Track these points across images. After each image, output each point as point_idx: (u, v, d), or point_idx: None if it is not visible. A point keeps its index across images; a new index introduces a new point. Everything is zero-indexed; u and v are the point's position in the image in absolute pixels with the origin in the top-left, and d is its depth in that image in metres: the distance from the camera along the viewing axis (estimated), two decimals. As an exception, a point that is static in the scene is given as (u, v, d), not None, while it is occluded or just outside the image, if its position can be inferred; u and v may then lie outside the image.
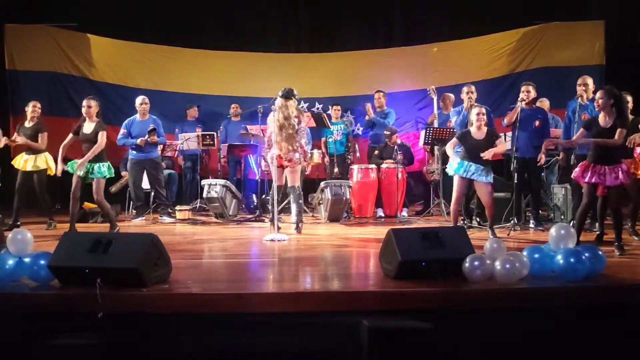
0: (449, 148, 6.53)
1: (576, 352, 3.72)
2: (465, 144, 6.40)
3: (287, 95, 6.70)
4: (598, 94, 5.48)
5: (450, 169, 6.48)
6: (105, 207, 6.72)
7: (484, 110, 6.47)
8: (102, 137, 6.57)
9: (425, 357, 3.47)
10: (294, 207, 6.93)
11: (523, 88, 7.01)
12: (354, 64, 10.50)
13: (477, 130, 6.41)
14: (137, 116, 8.26)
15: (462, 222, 7.23)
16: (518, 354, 3.74)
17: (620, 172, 5.30)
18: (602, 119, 5.42)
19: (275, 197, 6.52)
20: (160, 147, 8.54)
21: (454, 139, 6.56)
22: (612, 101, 5.35)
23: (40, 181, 7.42)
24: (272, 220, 6.47)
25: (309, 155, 7.22)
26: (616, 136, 5.28)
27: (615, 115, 5.35)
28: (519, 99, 6.90)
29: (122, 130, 8.18)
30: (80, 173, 6.49)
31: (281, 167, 6.75)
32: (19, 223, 7.27)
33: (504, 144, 6.56)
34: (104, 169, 6.57)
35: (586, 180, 5.39)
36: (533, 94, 6.99)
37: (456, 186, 6.43)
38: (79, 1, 9.96)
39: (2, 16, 9.55)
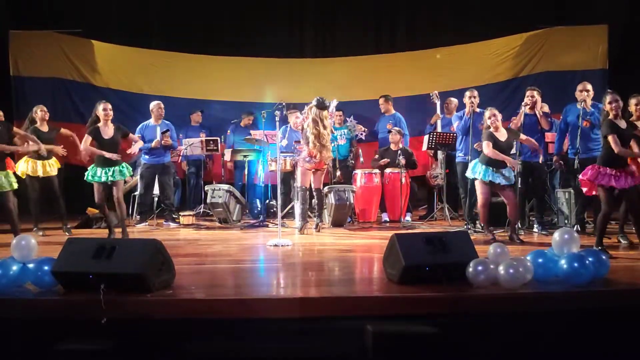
0: (489, 148, 6.25)
1: (581, 356, 3.72)
2: (493, 144, 6.30)
3: (323, 106, 6.96)
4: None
5: (472, 174, 6.44)
6: (123, 208, 6.78)
7: (495, 111, 6.44)
8: (133, 137, 7.01)
9: (429, 362, 3.46)
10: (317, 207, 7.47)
11: (528, 93, 7.00)
12: (357, 69, 10.50)
13: (497, 132, 6.36)
14: (151, 121, 8.31)
15: (465, 227, 7.23)
16: (523, 358, 3.73)
17: (635, 174, 5.34)
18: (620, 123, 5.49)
19: (279, 202, 6.53)
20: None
21: (488, 141, 6.29)
22: None
23: (57, 185, 7.41)
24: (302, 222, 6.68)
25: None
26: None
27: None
28: (522, 103, 6.90)
29: (138, 136, 8.20)
30: (108, 178, 6.61)
31: (314, 171, 7.25)
32: (36, 229, 7.27)
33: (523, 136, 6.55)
34: (125, 170, 6.72)
35: (603, 183, 5.38)
36: (537, 98, 6.98)
37: (480, 190, 6.38)
38: (84, 7, 10.01)
39: (7, 22, 9.60)
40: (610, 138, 5.33)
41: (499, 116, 6.45)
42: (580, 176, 5.70)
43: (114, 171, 6.62)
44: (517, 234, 6.36)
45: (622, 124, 5.46)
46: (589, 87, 6.91)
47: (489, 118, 6.40)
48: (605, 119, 5.50)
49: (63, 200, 7.48)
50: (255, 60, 10.42)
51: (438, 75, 10.18)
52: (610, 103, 5.48)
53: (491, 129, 6.37)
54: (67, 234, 7.17)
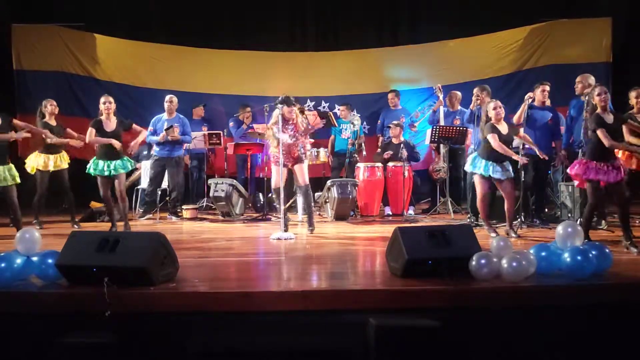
0: (496, 142, 6.05)
1: (583, 349, 3.72)
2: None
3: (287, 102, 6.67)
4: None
5: (471, 168, 6.33)
6: (125, 201, 6.86)
7: (500, 103, 6.30)
8: (137, 128, 7.07)
9: (432, 356, 3.46)
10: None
11: (541, 87, 6.98)
12: (360, 62, 10.45)
13: (499, 124, 6.20)
14: (165, 114, 8.33)
15: (468, 220, 7.23)
16: (525, 352, 3.73)
17: (621, 168, 5.33)
18: (607, 117, 5.45)
19: (282, 196, 6.52)
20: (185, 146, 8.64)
21: (493, 134, 6.10)
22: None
23: (67, 179, 7.43)
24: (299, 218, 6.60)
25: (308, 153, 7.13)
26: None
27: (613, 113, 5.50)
28: (526, 96, 6.88)
29: (150, 128, 8.26)
30: (108, 172, 6.66)
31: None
32: (36, 221, 7.26)
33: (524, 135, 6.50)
34: (127, 163, 6.79)
35: (591, 177, 5.37)
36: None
37: (479, 185, 6.27)
38: (86, 1, 9.99)
39: (9, 16, 9.59)
40: (599, 132, 5.29)
41: (503, 109, 6.28)
42: (568, 170, 5.72)
43: (115, 164, 6.67)
44: (514, 229, 6.28)
45: (609, 117, 5.42)
46: (590, 80, 6.90)
47: (494, 109, 6.20)
48: (593, 113, 5.47)
49: (72, 194, 7.50)
50: (258, 54, 10.38)
51: (441, 69, 10.15)
52: (599, 95, 5.42)
53: (492, 121, 6.21)
54: (76, 227, 7.16)
